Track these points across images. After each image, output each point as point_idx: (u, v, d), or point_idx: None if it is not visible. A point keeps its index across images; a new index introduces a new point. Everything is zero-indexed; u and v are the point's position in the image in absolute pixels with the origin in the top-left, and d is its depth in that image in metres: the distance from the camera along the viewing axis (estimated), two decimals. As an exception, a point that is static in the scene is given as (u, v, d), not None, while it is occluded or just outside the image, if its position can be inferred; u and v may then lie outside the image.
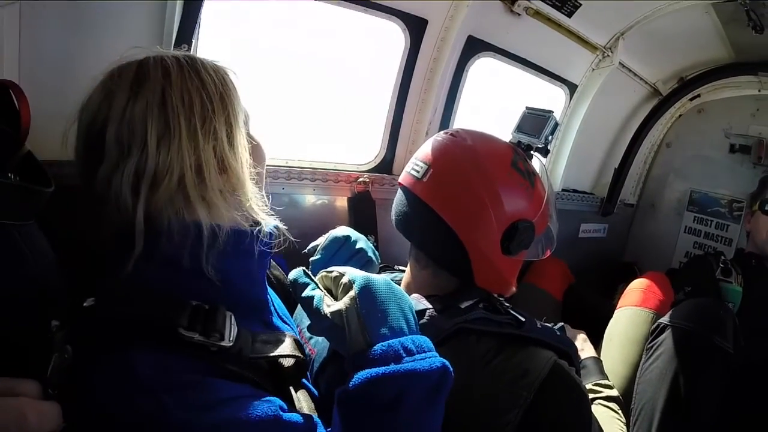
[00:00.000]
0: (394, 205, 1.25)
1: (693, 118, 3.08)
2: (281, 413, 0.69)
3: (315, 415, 0.79)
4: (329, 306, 0.76)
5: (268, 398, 0.70)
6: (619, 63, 2.51)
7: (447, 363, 0.72)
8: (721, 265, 2.19)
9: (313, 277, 0.84)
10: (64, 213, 0.79)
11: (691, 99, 3.01)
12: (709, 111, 3.00)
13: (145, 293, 0.73)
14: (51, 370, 0.62)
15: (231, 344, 0.71)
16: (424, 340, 0.75)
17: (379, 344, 0.71)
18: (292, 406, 0.78)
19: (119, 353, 0.65)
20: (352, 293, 0.75)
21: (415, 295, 1.11)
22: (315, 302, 0.78)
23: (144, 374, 0.63)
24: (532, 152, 1.33)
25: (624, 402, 1.57)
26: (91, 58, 1.26)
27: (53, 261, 0.82)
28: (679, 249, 3.14)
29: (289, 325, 0.98)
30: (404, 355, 0.70)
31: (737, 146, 2.87)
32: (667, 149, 3.21)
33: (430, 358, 0.72)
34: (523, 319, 1.09)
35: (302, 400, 0.83)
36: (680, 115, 3.13)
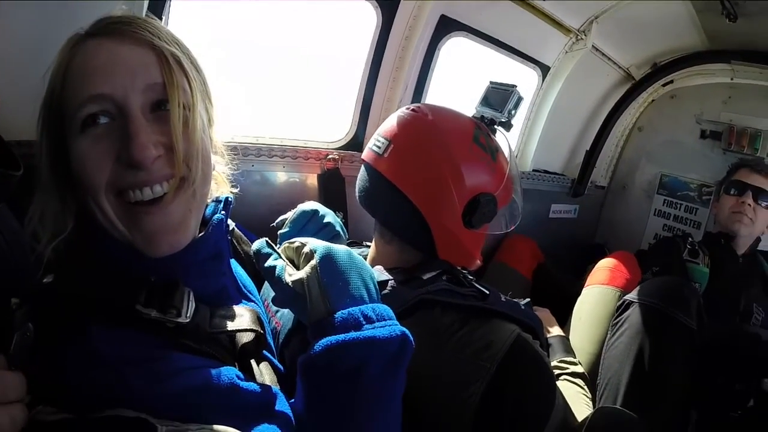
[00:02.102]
0: (357, 181, 1.25)
1: (665, 104, 3.13)
2: (238, 381, 0.69)
3: (276, 387, 0.79)
4: (291, 275, 0.76)
5: (225, 367, 0.70)
6: (593, 46, 2.53)
7: (407, 331, 0.72)
8: (689, 246, 2.23)
9: (276, 248, 0.84)
10: (33, 193, 0.76)
11: (664, 85, 3.05)
12: (682, 97, 3.05)
13: (104, 270, 0.72)
14: (13, 347, 0.62)
15: (188, 320, 0.71)
16: (385, 309, 0.75)
17: (340, 312, 0.70)
18: (252, 378, 0.77)
19: (78, 329, 0.64)
20: (313, 262, 0.74)
21: (377, 267, 1.11)
22: (277, 272, 0.78)
23: (101, 349, 0.63)
24: (495, 126, 1.33)
25: (591, 379, 1.60)
26: (62, 35, 1.22)
27: (25, 242, 0.80)
28: (648, 231, 3.20)
29: (254, 301, 0.97)
30: (364, 322, 0.70)
31: (708, 132, 2.92)
32: (639, 133, 3.26)
33: (390, 326, 0.71)
34: (487, 292, 1.10)
35: (264, 373, 0.82)
36: (653, 100, 3.17)
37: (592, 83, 2.85)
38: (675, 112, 3.07)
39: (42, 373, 0.59)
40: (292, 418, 0.73)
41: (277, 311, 1.10)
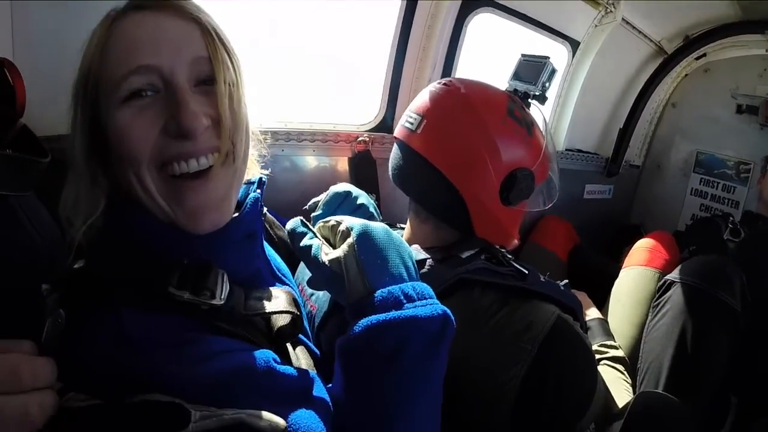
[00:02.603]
0: (390, 160, 1.24)
1: (699, 78, 3.03)
2: (275, 365, 0.67)
3: (313, 371, 0.77)
4: (327, 254, 0.75)
5: (261, 350, 0.68)
6: (623, 19, 2.45)
7: (448, 311, 0.70)
8: (730, 225, 2.16)
9: (311, 227, 0.82)
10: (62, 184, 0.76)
11: (697, 58, 2.95)
12: (716, 71, 2.94)
13: (136, 253, 0.71)
14: (45, 334, 0.61)
15: (222, 302, 0.70)
16: (425, 287, 0.73)
17: (380, 291, 0.69)
18: (288, 362, 0.76)
19: (109, 313, 0.63)
20: (350, 240, 0.73)
21: (414, 245, 1.09)
22: (313, 251, 0.77)
23: (133, 332, 0.62)
24: (529, 100, 1.31)
25: (630, 363, 1.56)
26: (84, 34, 1.23)
27: (57, 232, 0.81)
28: (685, 211, 3.11)
29: (288, 284, 0.96)
30: (405, 301, 0.68)
31: (744, 107, 2.82)
32: (672, 109, 3.16)
33: (431, 305, 0.69)
34: (527, 272, 1.07)
35: (301, 357, 0.81)
36: (686, 75, 3.07)
37: (623, 58, 2.77)
38: (709, 86, 2.97)
39: (73, 359, 0.58)
40: (330, 404, 0.71)
41: (311, 294, 1.09)
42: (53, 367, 0.53)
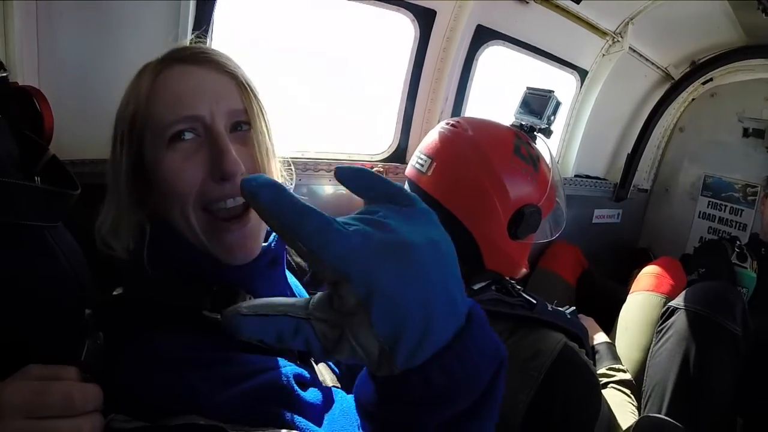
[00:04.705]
0: None
1: (706, 102, 3.06)
2: (303, 380, 0.73)
3: (338, 387, 0.82)
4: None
5: (290, 367, 0.73)
6: (630, 48, 2.51)
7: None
8: (737, 250, 2.19)
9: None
10: (86, 210, 0.82)
11: (704, 83, 2.98)
12: (722, 95, 2.98)
13: (173, 279, 0.78)
14: (85, 354, 0.66)
15: None
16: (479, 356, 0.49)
17: (416, 373, 0.44)
18: (315, 375, 0.81)
19: (146, 336, 0.69)
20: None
21: None
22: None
23: (169, 354, 0.67)
24: (535, 134, 1.35)
25: (637, 386, 1.59)
26: (109, 58, 1.31)
27: (81, 256, 0.86)
28: (693, 234, 3.13)
29: None
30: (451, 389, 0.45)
31: (750, 130, 2.85)
32: (680, 134, 3.19)
33: (493, 407, 0.50)
34: (535, 302, 1.12)
35: (324, 373, 0.85)
36: (693, 99, 3.10)
37: (630, 85, 2.82)
38: (716, 110, 3.00)
39: (112, 380, 0.63)
40: (357, 417, 0.73)
41: None
42: (100, 392, 0.60)
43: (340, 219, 0.42)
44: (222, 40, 1.55)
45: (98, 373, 0.64)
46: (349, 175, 0.49)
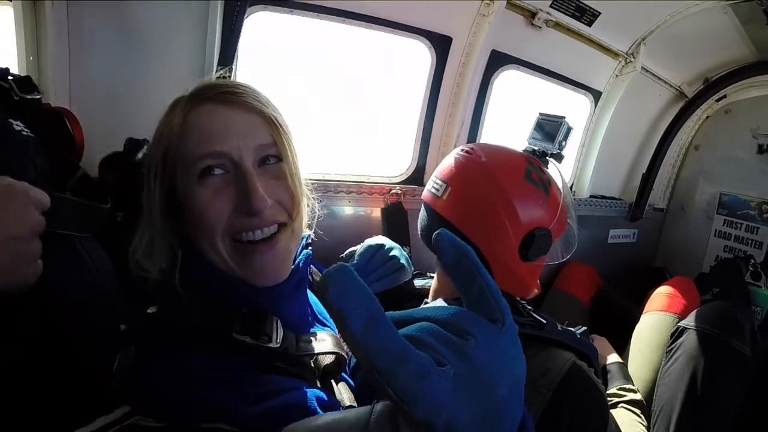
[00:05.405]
0: (419, 220, 1.35)
1: (720, 119, 3.06)
2: (323, 401, 0.77)
3: (356, 406, 0.86)
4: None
5: (310, 389, 0.78)
6: (642, 68, 2.54)
7: None
8: (751, 268, 2.20)
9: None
10: (113, 225, 0.88)
11: (718, 100, 3.00)
12: (736, 111, 2.98)
13: (204, 302, 0.82)
14: (116, 366, 0.72)
15: (278, 345, 0.79)
16: None
17: None
18: (333, 398, 0.85)
19: (178, 354, 0.74)
20: None
21: (438, 300, 1.19)
22: None
23: (200, 371, 0.72)
24: (547, 158, 1.40)
25: (648, 406, 1.62)
26: (136, 81, 1.40)
27: (111, 268, 0.91)
28: (709, 253, 3.11)
29: (328, 326, 1.04)
30: None
31: (765, 147, 2.84)
32: (695, 152, 3.19)
33: None
34: (545, 321, 1.16)
35: (343, 392, 0.89)
36: (707, 117, 3.11)
37: (644, 104, 2.85)
38: (731, 127, 3.00)
39: (144, 390, 0.69)
40: None
41: None
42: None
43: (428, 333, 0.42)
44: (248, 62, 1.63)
45: (127, 384, 0.69)
46: (450, 253, 0.48)
